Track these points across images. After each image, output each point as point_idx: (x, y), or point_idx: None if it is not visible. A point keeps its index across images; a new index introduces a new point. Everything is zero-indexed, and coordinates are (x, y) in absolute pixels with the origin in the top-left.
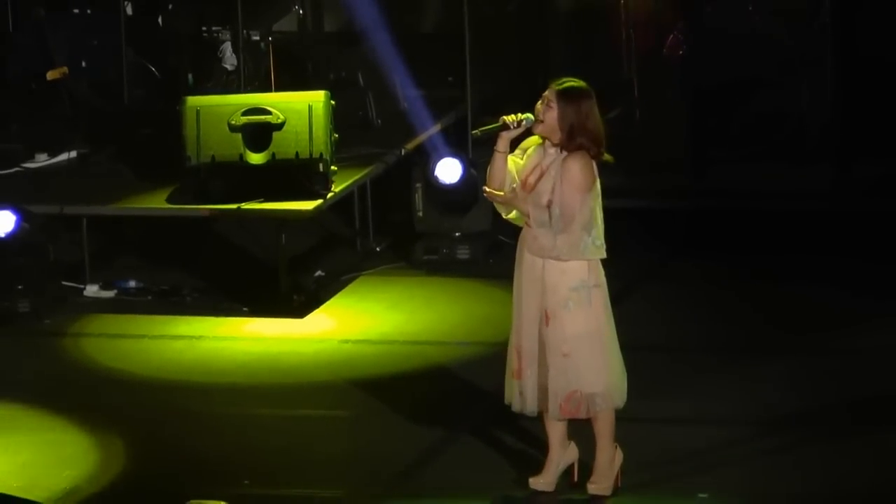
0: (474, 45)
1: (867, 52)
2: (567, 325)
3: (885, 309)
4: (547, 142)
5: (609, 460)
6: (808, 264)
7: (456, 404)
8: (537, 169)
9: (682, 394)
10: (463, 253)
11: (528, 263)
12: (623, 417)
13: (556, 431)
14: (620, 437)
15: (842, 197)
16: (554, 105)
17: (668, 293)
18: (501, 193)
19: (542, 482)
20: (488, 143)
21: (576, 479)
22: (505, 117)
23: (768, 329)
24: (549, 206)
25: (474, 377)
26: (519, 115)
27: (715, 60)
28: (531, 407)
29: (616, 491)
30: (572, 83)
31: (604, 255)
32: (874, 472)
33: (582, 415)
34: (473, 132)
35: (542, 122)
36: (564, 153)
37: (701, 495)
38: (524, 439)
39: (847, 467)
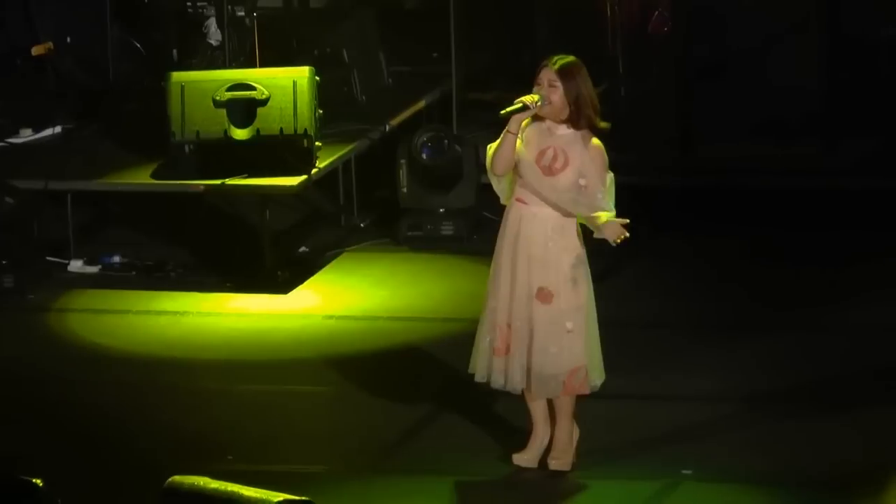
0: (459, 21)
1: (851, 30)
2: (572, 300)
3: (872, 286)
4: (549, 121)
5: (569, 436)
6: (795, 241)
7: (440, 381)
8: (550, 150)
9: (668, 370)
10: (447, 229)
11: (526, 241)
12: (607, 395)
13: (539, 408)
14: (605, 415)
15: (829, 174)
16: (558, 84)
17: (656, 269)
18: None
19: (526, 458)
20: (473, 119)
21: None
22: (524, 98)
23: (755, 305)
24: (584, 187)
25: (458, 354)
26: (533, 96)
27: (700, 38)
28: (516, 385)
29: (574, 466)
30: (566, 59)
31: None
32: (858, 448)
33: (586, 390)
34: (501, 113)
35: (549, 103)
36: (577, 132)
37: (685, 472)
38: (508, 416)
39: (831, 444)
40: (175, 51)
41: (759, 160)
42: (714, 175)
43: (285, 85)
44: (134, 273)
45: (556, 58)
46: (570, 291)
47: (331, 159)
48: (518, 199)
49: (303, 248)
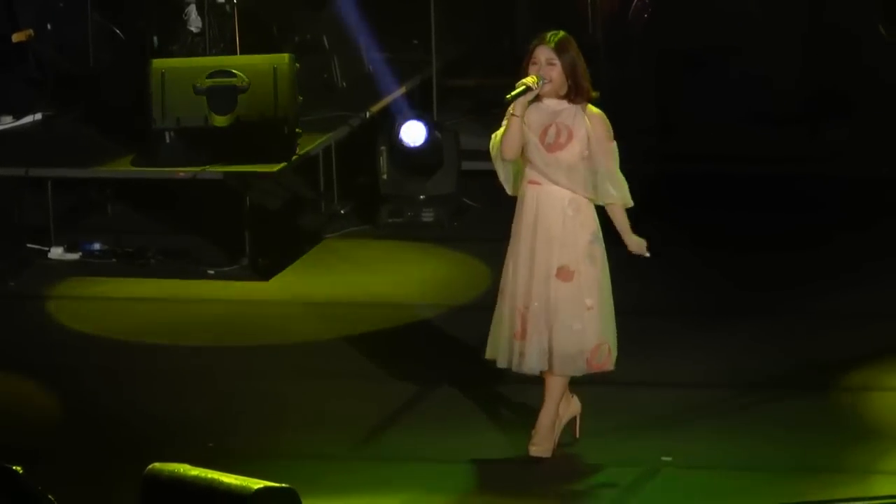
0: (439, 7)
1: (831, 18)
2: (591, 277)
3: (853, 271)
4: (546, 99)
5: (552, 422)
6: (777, 226)
7: (421, 367)
8: (553, 127)
9: (649, 357)
10: (427, 216)
11: (545, 220)
12: (591, 381)
13: (559, 388)
14: (588, 401)
15: (812, 160)
16: (556, 61)
17: (636, 256)
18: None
19: (533, 448)
20: (454, 106)
21: (577, 434)
22: (525, 81)
23: (736, 291)
24: (586, 159)
25: (439, 339)
26: (532, 77)
27: (681, 24)
28: (534, 366)
29: (553, 451)
30: (559, 35)
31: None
32: (838, 433)
33: (610, 366)
34: (507, 97)
35: (549, 81)
36: (576, 105)
37: (664, 458)
38: (492, 402)
39: (813, 430)
40: (155, 37)
41: (738, 147)
42: (694, 162)
43: (265, 72)
44: (114, 260)
45: (548, 34)
46: (589, 268)
47: (311, 146)
48: (531, 182)
49: (284, 234)
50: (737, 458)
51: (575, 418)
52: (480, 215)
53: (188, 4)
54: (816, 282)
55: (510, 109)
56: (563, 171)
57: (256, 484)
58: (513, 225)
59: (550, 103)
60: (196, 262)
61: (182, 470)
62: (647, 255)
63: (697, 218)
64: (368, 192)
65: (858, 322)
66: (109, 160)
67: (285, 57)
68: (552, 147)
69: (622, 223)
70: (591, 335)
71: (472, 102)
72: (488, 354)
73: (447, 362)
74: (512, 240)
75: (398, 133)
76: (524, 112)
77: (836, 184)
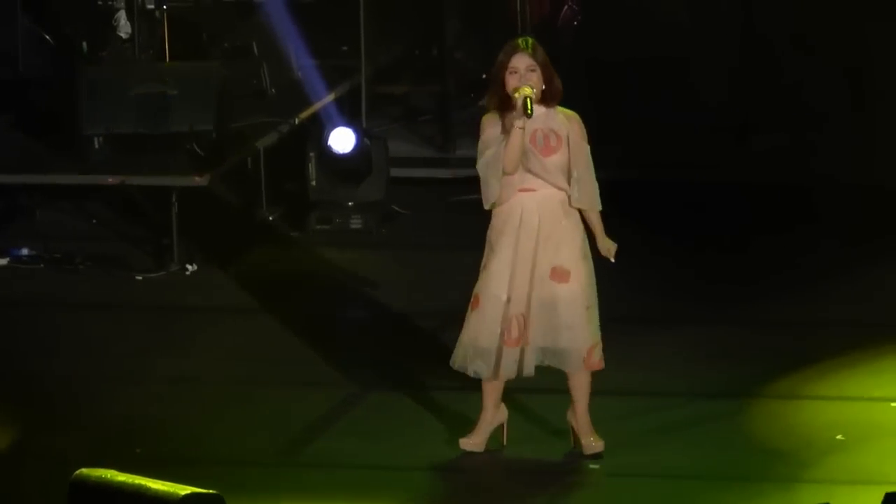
0: (369, 14)
1: (762, 28)
2: (586, 276)
3: (777, 279)
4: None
5: (588, 416)
6: (700, 233)
7: (350, 372)
8: (539, 132)
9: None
10: (356, 222)
11: (546, 226)
12: (550, 388)
13: (496, 393)
14: (546, 406)
15: (740, 168)
16: (536, 67)
17: None
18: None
19: (472, 443)
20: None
21: (504, 441)
22: (525, 91)
23: (669, 301)
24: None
25: (367, 344)
26: (525, 88)
27: (611, 32)
28: (531, 370)
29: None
30: (530, 40)
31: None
32: (764, 442)
33: (602, 365)
34: (529, 114)
35: (542, 88)
36: (551, 108)
37: (592, 465)
38: (418, 405)
39: (739, 439)
40: (85, 43)
41: (668, 154)
42: (627, 168)
43: (195, 79)
44: (42, 265)
45: (519, 41)
46: (583, 268)
47: (240, 153)
48: (523, 190)
49: (212, 242)
50: (662, 466)
51: (502, 426)
52: (409, 222)
53: (118, 10)
54: (740, 290)
55: (518, 123)
56: (561, 174)
57: (184, 490)
58: (495, 235)
59: (534, 109)
60: (124, 267)
61: (109, 475)
62: (613, 260)
63: (628, 226)
64: (297, 199)
65: (783, 330)
66: (38, 166)
67: (215, 64)
68: (545, 151)
69: (597, 225)
70: (590, 335)
71: (402, 109)
72: (457, 364)
73: (376, 365)
74: (496, 250)
75: (327, 140)
76: (525, 124)
77: (761, 192)
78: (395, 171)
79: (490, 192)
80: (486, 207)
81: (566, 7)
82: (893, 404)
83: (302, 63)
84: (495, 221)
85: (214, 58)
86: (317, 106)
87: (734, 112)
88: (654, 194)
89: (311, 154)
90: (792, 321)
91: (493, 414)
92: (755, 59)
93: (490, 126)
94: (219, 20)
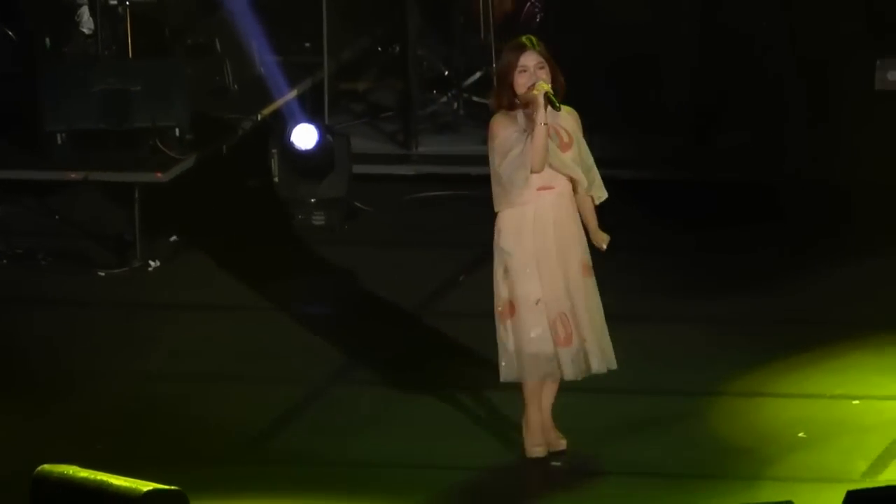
0: (332, 11)
1: (726, 20)
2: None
3: (739, 277)
4: (531, 105)
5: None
6: (666, 231)
7: (313, 369)
8: (551, 128)
9: None
10: (318, 219)
11: (566, 222)
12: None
13: (541, 395)
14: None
15: (702, 167)
16: (545, 64)
17: None
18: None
19: (536, 447)
20: (345, 110)
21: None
22: (545, 87)
23: (631, 299)
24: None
25: (330, 341)
26: (542, 84)
27: (573, 30)
28: (595, 367)
29: None
30: (532, 38)
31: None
32: (727, 440)
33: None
34: (558, 105)
35: (557, 84)
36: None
37: (554, 464)
38: (382, 402)
39: (702, 436)
40: (47, 39)
41: (629, 151)
42: None
43: (158, 76)
44: (5, 261)
45: (524, 40)
46: (589, 261)
47: (203, 149)
48: (542, 188)
49: (174, 238)
50: (625, 463)
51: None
52: (371, 218)
53: (80, 6)
54: (702, 288)
55: (540, 120)
56: (576, 169)
57: (145, 486)
58: (510, 239)
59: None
60: (87, 263)
61: (71, 472)
62: (604, 248)
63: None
64: (260, 195)
65: (746, 328)
66: (1, 161)
67: (177, 61)
68: (562, 147)
69: (593, 218)
70: (606, 330)
71: (364, 106)
72: (515, 377)
73: (336, 364)
74: (516, 253)
75: (290, 136)
76: (547, 119)
77: (723, 189)
78: (358, 168)
79: (515, 193)
80: (501, 209)
81: (528, 4)
82: (855, 402)
83: (265, 60)
84: (506, 225)
85: (177, 54)
86: (279, 102)
87: (696, 110)
88: (614, 192)
89: (274, 150)
90: (754, 319)
91: (539, 415)
92: (717, 57)
93: (503, 128)
94: (181, 16)
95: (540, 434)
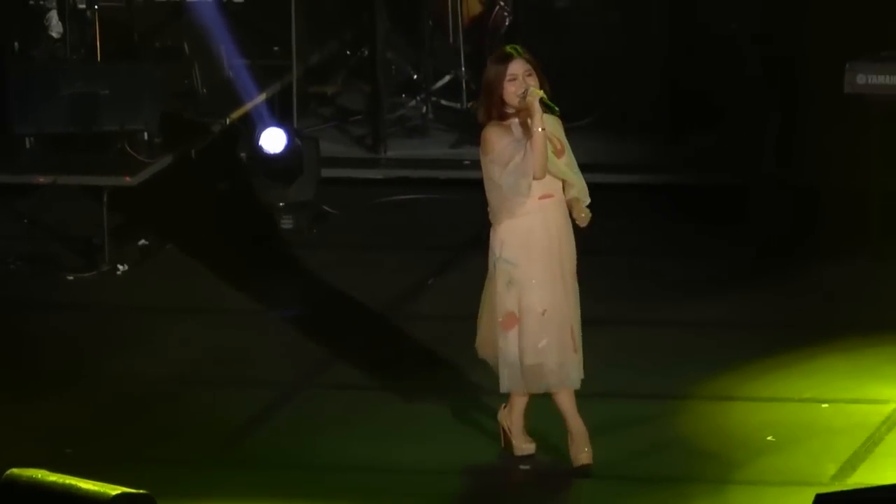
0: (300, 14)
1: (702, 19)
2: None
3: (710, 281)
4: (521, 113)
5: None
6: (633, 235)
7: (282, 371)
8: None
9: None
10: (287, 223)
11: (564, 230)
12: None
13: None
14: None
15: (673, 169)
16: (532, 72)
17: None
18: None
19: (526, 447)
20: (315, 114)
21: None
22: (539, 93)
23: (600, 303)
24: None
25: (299, 343)
26: (537, 90)
27: (541, 31)
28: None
29: None
30: (517, 46)
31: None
32: (694, 443)
33: None
34: (556, 110)
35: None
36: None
37: (522, 466)
38: (350, 404)
39: (670, 439)
40: (16, 42)
41: (599, 155)
42: None
43: (126, 79)
44: None
45: (508, 49)
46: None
47: (171, 153)
48: (543, 197)
49: (142, 242)
50: (593, 466)
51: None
52: (339, 222)
53: (49, 10)
54: (671, 292)
55: (538, 126)
56: (570, 174)
57: (114, 490)
58: (514, 250)
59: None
60: (56, 267)
61: (40, 476)
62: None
63: None
64: (228, 199)
65: (714, 331)
66: None
67: (146, 65)
68: (556, 154)
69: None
70: None
71: (333, 110)
72: (518, 388)
73: (305, 367)
74: (522, 264)
75: (258, 140)
76: (545, 125)
77: (693, 192)
78: (326, 172)
79: (517, 202)
80: (501, 220)
81: (497, 8)
82: (824, 405)
83: (233, 63)
84: (510, 236)
85: (146, 58)
86: (248, 106)
87: (667, 112)
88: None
89: (243, 154)
90: (723, 322)
91: (523, 419)
92: (686, 58)
93: (499, 137)
94: (150, 20)
95: (522, 438)
